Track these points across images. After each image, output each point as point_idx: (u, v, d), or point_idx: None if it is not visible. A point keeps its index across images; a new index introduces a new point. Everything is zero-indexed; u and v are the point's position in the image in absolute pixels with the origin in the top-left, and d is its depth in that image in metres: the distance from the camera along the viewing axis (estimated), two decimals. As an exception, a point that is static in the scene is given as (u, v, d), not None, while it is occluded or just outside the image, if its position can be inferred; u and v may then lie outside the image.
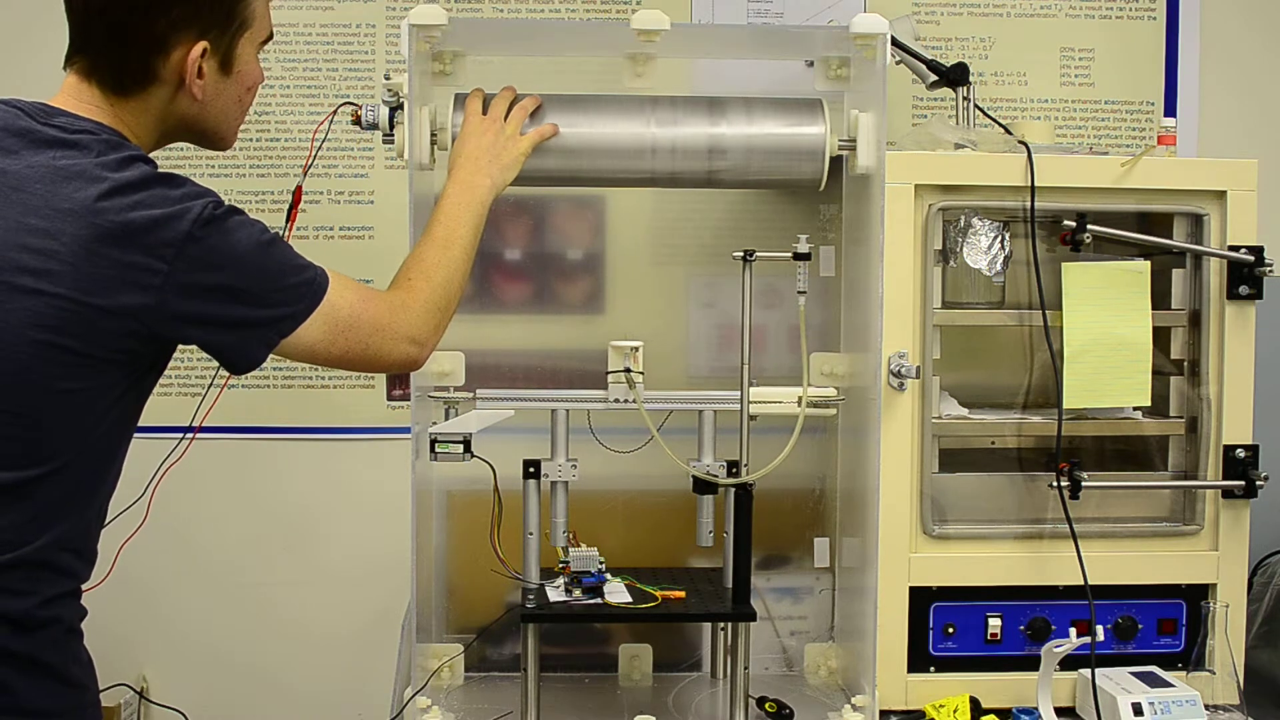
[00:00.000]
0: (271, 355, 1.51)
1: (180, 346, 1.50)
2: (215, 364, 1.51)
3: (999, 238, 2.08)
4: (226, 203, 1.46)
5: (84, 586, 1.49)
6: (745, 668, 1.99)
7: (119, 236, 1.37)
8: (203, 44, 1.48)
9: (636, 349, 2.05)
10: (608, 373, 2.06)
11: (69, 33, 1.50)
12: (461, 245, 1.74)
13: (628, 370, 2.05)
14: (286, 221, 1.96)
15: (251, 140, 2.64)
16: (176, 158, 2.57)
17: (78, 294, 1.36)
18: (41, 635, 1.41)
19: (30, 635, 1.40)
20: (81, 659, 1.49)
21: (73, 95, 1.49)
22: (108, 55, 1.47)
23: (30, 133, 1.42)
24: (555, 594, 2.00)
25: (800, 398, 2.08)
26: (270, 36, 1.61)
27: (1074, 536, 2.01)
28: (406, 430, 2.01)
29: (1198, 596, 2.10)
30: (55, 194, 1.37)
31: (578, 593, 1.99)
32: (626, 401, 2.05)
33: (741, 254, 2.01)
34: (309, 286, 1.51)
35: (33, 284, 1.36)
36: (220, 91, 1.55)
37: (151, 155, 1.52)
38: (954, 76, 2.29)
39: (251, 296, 1.46)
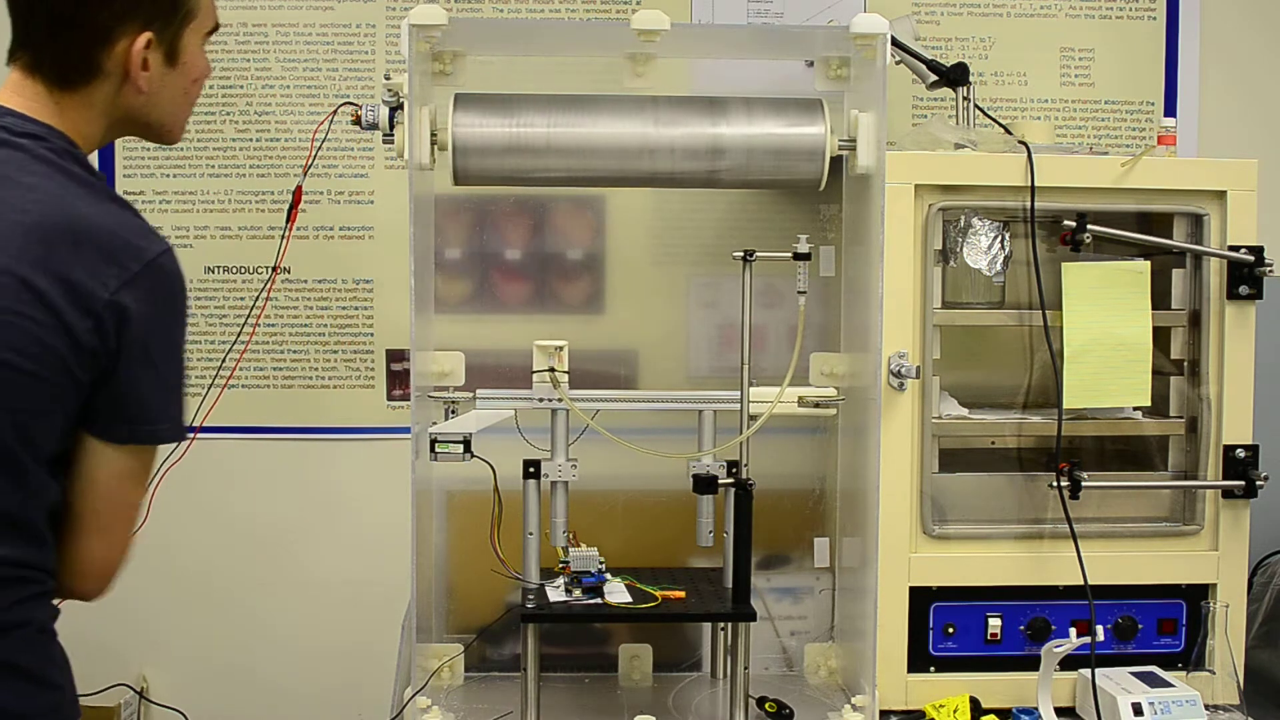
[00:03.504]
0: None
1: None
2: (215, 364, 1.52)
3: (999, 238, 2.08)
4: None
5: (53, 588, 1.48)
6: (745, 668, 1.99)
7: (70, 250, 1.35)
8: (147, 35, 1.46)
9: (561, 348, 2.05)
10: (533, 372, 2.06)
11: (11, 28, 1.47)
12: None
13: (551, 369, 2.05)
14: (286, 221, 1.96)
15: (251, 140, 2.64)
16: (176, 158, 2.58)
17: (21, 307, 1.34)
18: (14, 637, 1.40)
19: (2, 638, 1.38)
20: (56, 659, 1.47)
21: (15, 91, 1.46)
22: (50, 49, 1.45)
23: None
24: (555, 594, 2.00)
25: (799, 398, 2.10)
26: (216, 27, 1.58)
27: (1074, 536, 2.01)
28: (406, 430, 2.01)
29: (1198, 596, 2.10)
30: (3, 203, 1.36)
31: (578, 593, 1.99)
32: (552, 400, 2.06)
33: (741, 254, 2.01)
34: (179, 418, 1.48)
35: None
36: (166, 84, 1.52)
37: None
38: (954, 76, 2.29)
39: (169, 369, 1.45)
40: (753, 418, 2.04)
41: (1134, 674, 2.01)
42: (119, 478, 1.45)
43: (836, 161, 2.06)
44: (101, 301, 1.37)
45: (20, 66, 1.47)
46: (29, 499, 1.39)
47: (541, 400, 2.06)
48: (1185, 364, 2.13)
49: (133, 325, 1.39)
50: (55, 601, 1.48)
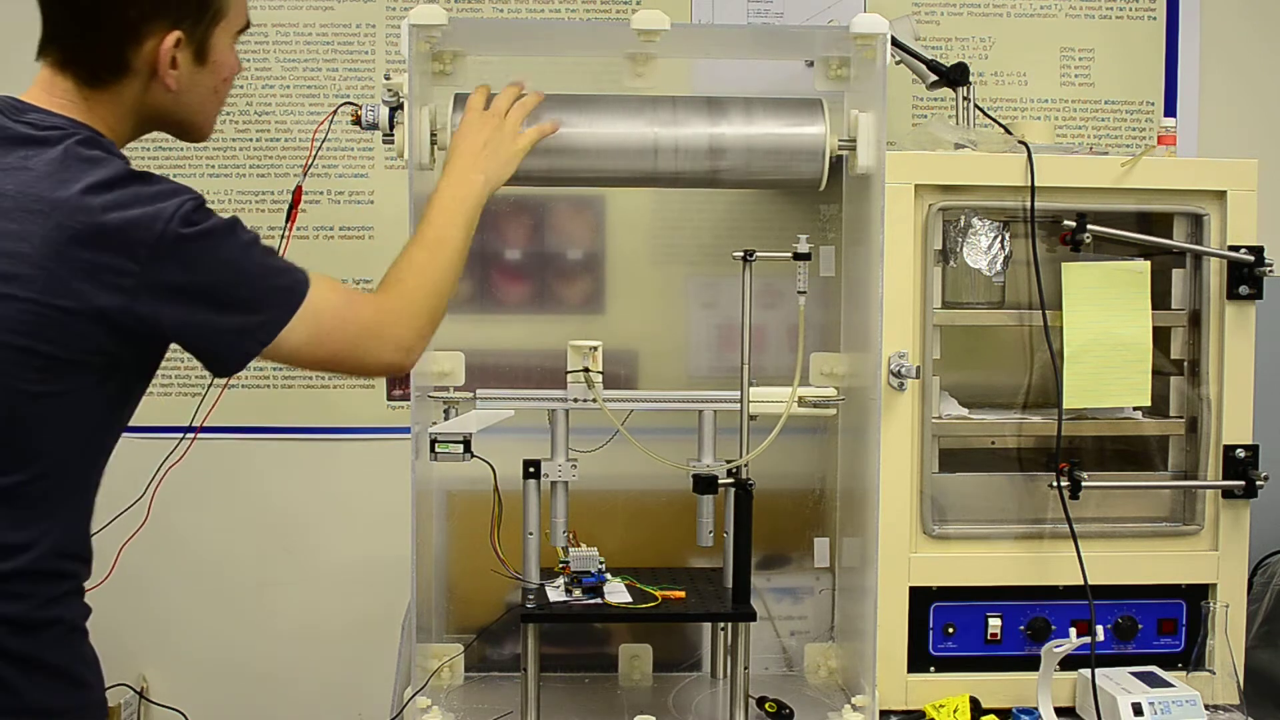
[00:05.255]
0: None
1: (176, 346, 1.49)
2: (215, 364, 1.51)
3: (999, 238, 2.08)
4: (205, 202, 1.43)
5: (85, 586, 1.49)
6: (745, 668, 1.99)
7: (91, 237, 1.34)
8: (176, 34, 1.45)
9: (595, 348, 2.05)
10: (567, 372, 2.07)
11: (41, 23, 1.47)
12: (453, 246, 1.71)
13: (586, 370, 2.05)
14: (286, 221, 1.96)
15: (251, 140, 2.64)
16: (176, 157, 2.57)
17: (49, 297, 1.34)
18: (44, 635, 1.40)
19: (32, 636, 1.39)
20: (87, 657, 1.48)
21: (45, 89, 1.46)
22: (79, 46, 1.44)
23: (1, 130, 1.41)
24: (555, 594, 2.00)
25: (799, 398, 2.10)
26: (247, 25, 1.58)
27: (1074, 536, 2.01)
28: (406, 430, 2.01)
29: (1198, 596, 2.10)
30: (25, 195, 1.35)
31: (578, 593, 1.99)
32: (587, 401, 2.06)
33: (741, 254, 2.01)
34: (290, 291, 1.47)
35: (3, 289, 1.34)
36: (195, 82, 1.51)
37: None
38: (954, 76, 2.29)
39: (230, 299, 1.42)
40: (752, 417, 2.04)
41: (1134, 674, 2.01)
42: (312, 339, 1.48)
43: (836, 161, 2.06)
44: (130, 281, 1.36)
45: (50, 63, 1.46)
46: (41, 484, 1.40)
47: (576, 400, 2.06)
48: (1185, 364, 2.13)
49: (169, 303, 1.39)
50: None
